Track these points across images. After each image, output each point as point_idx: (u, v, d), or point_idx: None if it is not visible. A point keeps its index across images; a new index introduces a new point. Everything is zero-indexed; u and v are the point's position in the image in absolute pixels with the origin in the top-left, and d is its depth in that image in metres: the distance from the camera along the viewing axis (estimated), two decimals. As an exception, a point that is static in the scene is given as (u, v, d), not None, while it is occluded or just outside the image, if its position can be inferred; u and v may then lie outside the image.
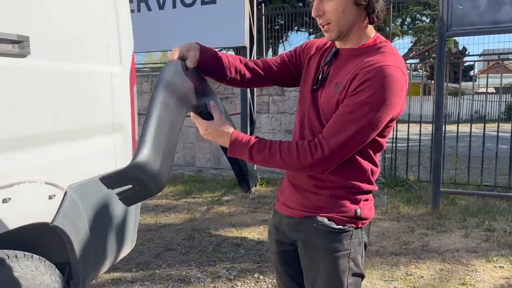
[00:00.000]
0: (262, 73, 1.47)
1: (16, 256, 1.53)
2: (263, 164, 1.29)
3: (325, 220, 1.31)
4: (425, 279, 3.07)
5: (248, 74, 1.45)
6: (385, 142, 1.33)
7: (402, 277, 3.09)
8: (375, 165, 1.34)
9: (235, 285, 2.97)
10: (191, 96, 1.28)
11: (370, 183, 1.34)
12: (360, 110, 1.16)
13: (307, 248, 1.35)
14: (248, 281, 3.03)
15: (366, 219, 1.34)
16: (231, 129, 1.30)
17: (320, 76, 1.33)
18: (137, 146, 1.08)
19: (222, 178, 6.50)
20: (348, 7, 1.21)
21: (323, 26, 1.26)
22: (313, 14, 1.26)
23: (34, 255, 1.63)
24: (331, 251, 1.31)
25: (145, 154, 1.06)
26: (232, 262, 3.36)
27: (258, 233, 4.07)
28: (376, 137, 1.24)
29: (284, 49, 12.70)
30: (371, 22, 1.26)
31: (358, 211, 1.31)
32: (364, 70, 1.17)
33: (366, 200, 1.35)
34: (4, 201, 1.43)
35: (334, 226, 1.30)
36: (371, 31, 1.29)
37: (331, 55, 1.33)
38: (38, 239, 1.75)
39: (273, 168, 1.34)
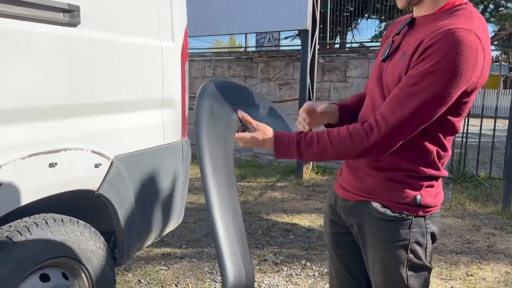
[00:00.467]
0: None
1: (62, 220, 1.59)
2: (316, 158, 1.20)
3: (379, 207, 1.19)
4: (488, 281, 2.81)
5: None
6: (459, 123, 1.14)
7: (461, 277, 2.86)
8: (444, 148, 1.17)
9: (281, 269, 2.93)
10: (234, 125, 1.22)
11: (436, 167, 1.18)
12: (424, 81, 1.02)
13: (362, 235, 1.26)
14: (295, 267, 2.97)
15: (429, 207, 1.19)
16: (270, 133, 1.21)
17: (390, 47, 1.21)
18: (218, 263, 1.03)
19: (278, 164, 6.45)
20: None
21: None
22: None
23: (80, 221, 1.68)
24: (386, 240, 1.20)
25: (229, 277, 1.02)
26: (280, 247, 3.31)
27: (309, 220, 3.98)
28: (448, 116, 1.09)
29: (353, 37, 12.23)
30: None
31: (418, 197, 1.17)
32: (431, 34, 1.03)
33: (430, 186, 1.20)
34: (51, 165, 1.49)
35: (389, 213, 1.18)
36: None
37: (405, 24, 1.20)
38: (85, 206, 1.81)
39: (328, 160, 1.23)
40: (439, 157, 1.18)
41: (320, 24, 6.01)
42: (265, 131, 1.21)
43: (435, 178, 1.20)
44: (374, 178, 1.21)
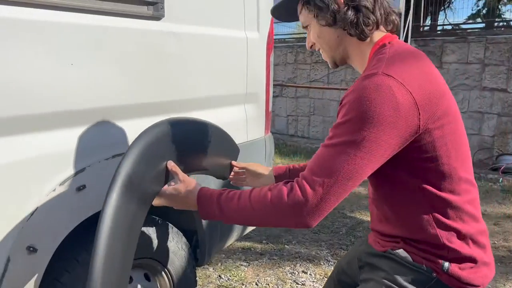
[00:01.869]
0: None
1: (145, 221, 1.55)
2: (238, 220, 1.08)
3: (401, 251, 1.04)
4: None
5: None
6: (447, 167, 0.97)
7: None
8: (451, 208, 1.00)
9: (367, 275, 2.72)
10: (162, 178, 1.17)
11: (457, 238, 1.01)
12: (339, 134, 0.92)
13: (368, 271, 1.13)
14: (383, 274, 2.74)
15: (461, 281, 1.00)
16: (193, 186, 1.10)
17: None
18: None
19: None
20: (321, 31, 1.07)
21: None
22: (307, 48, 1.15)
23: (162, 221, 1.64)
24: (392, 281, 1.03)
25: None
26: (366, 249, 3.10)
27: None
28: (418, 164, 0.96)
29: (446, 17, 11.19)
30: (360, 38, 1.04)
31: (446, 265, 1.00)
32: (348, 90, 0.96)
33: (463, 260, 1.01)
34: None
35: (409, 260, 1.03)
36: (370, 43, 1.05)
37: None
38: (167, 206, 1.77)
39: (251, 225, 1.09)
40: (450, 218, 1.00)
41: (413, 5, 5.51)
42: (189, 184, 1.11)
43: (466, 257, 1.01)
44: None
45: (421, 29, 7.03)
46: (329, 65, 1.14)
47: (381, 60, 0.95)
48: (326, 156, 0.93)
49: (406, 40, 5.29)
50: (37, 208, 1.16)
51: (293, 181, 0.96)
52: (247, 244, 3.13)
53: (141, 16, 1.40)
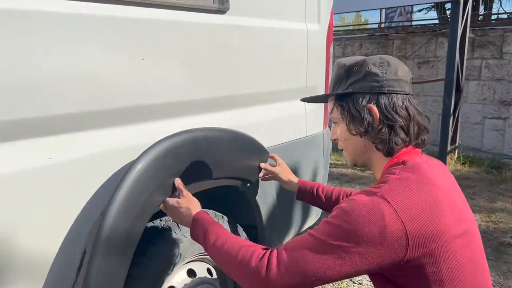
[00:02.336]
0: None
1: (208, 216, 1.55)
2: (212, 256, 1.13)
3: None
4: None
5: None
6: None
7: None
8: None
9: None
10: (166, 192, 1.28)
11: None
12: (326, 233, 0.93)
13: None
14: None
15: None
16: (195, 207, 1.22)
17: None
18: None
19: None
20: (349, 136, 1.09)
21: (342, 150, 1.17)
22: (330, 137, 1.18)
23: (225, 216, 1.63)
24: None
25: None
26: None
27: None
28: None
29: (500, 5, 10.52)
30: (386, 155, 1.04)
31: None
32: None
33: None
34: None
35: None
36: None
37: None
38: (228, 199, 1.76)
39: (220, 267, 1.16)
40: None
41: (472, -7, 5.21)
42: (191, 202, 1.23)
43: None
44: None
45: (479, 18, 6.65)
46: (349, 163, 1.16)
47: (387, 181, 0.95)
48: (307, 246, 0.94)
49: (464, 30, 5.01)
50: (110, 202, 1.18)
51: (269, 250, 1.00)
52: (300, 240, 3.09)
53: (207, 10, 1.39)
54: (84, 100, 1.10)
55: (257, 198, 1.71)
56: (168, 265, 1.40)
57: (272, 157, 1.66)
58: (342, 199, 1.50)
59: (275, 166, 1.63)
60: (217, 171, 1.45)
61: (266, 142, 1.72)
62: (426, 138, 1.06)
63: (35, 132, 1.02)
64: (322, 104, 2.08)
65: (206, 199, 1.58)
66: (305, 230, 1.98)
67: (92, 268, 1.10)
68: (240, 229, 1.70)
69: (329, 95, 1.14)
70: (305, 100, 1.32)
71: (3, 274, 0.97)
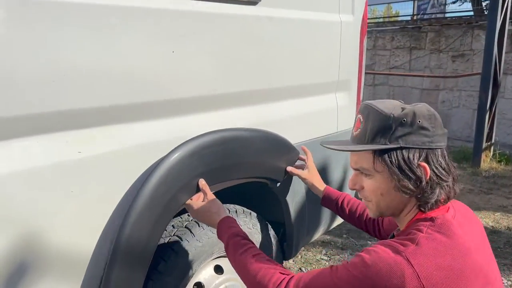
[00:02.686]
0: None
1: (236, 212, 1.52)
2: (234, 264, 1.17)
3: None
4: None
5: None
6: None
7: None
8: None
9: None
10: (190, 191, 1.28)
11: None
12: (344, 277, 0.93)
13: None
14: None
15: None
16: (221, 211, 1.25)
17: None
18: None
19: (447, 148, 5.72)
20: (389, 192, 1.00)
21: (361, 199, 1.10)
22: (349, 186, 1.09)
23: (253, 213, 1.60)
24: None
25: None
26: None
27: (492, 220, 3.37)
28: None
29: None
30: (421, 210, 0.99)
31: None
32: None
33: None
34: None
35: None
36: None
37: (390, 237, 1.12)
38: (256, 196, 1.73)
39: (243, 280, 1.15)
40: None
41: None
42: (216, 205, 1.25)
43: None
44: None
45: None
46: (371, 214, 1.08)
47: (414, 239, 0.91)
48: (322, 285, 0.96)
49: (504, 23, 4.77)
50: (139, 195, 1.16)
51: (287, 277, 1.02)
52: (327, 237, 3.04)
53: (238, 0, 1.34)
54: (112, 93, 1.08)
55: (287, 195, 1.67)
56: (195, 261, 1.39)
57: (301, 158, 1.61)
58: (363, 216, 1.46)
59: (304, 167, 1.59)
60: (244, 171, 1.42)
61: (296, 137, 1.67)
62: (457, 190, 1.00)
63: (64, 125, 1.01)
64: (354, 99, 2.02)
65: (234, 194, 1.55)
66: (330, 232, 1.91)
67: (114, 266, 1.09)
68: (268, 226, 1.67)
69: (367, 147, 1.00)
70: (328, 147, 1.11)
71: (34, 269, 0.96)
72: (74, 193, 1.01)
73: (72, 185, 1.01)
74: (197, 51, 1.26)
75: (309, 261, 2.70)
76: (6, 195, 0.90)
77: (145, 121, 1.17)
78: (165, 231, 1.37)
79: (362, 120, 1.02)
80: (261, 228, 1.62)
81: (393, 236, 1.08)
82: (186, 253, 1.35)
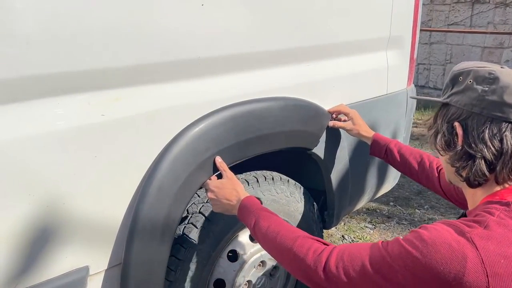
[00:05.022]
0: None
1: (273, 179, 1.44)
2: (262, 243, 1.05)
3: None
4: None
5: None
6: None
7: None
8: None
9: None
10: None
11: None
12: (393, 254, 0.82)
13: None
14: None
15: None
16: (242, 191, 1.15)
17: None
18: None
19: None
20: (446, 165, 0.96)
21: None
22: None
23: (291, 180, 1.51)
24: None
25: None
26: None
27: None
28: None
29: None
30: (468, 185, 0.90)
31: None
32: None
33: None
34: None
35: None
36: (487, 189, 0.89)
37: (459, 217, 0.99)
38: (293, 161, 1.64)
39: (269, 254, 1.06)
40: None
41: None
42: (237, 184, 1.17)
43: None
44: None
45: None
46: (449, 177, 1.00)
47: (482, 222, 0.79)
48: (370, 257, 0.85)
49: None
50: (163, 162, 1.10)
51: (327, 246, 0.94)
52: (373, 205, 2.92)
53: None
54: (137, 52, 0.99)
55: (328, 162, 1.57)
56: (230, 229, 1.33)
57: (338, 111, 1.51)
58: (418, 165, 1.35)
59: (346, 121, 1.50)
60: (267, 145, 1.32)
61: (340, 99, 1.54)
62: None
63: (87, 86, 0.94)
64: (407, 58, 1.83)
65: (269, 160, 1.46)
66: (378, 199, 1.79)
67: (133, 245, 1.06)
68: (307, 194, 1.58)
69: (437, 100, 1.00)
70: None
71: (56, 235, 0.94)
72: (97, 158, 0.96)
73: (94, 150, 0.95)
74: (231, 3, 1.14)
75: (352, 228, 2.60)
76: (26, 157, 0.86)
77: (172, 83, 1.09)
78: (198, 197, 1.32)
79: None
80: (299, 196, 1.54)
81: (463, 216, 0.96)
82: (219, 220, 1.30)
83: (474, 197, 0.91)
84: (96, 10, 0.90)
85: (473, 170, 0.86)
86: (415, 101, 2.00)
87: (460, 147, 0.89)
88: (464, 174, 0.89)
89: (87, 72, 0.93)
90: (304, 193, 1.57)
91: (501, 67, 0.89)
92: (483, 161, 0.85)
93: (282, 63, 1.35)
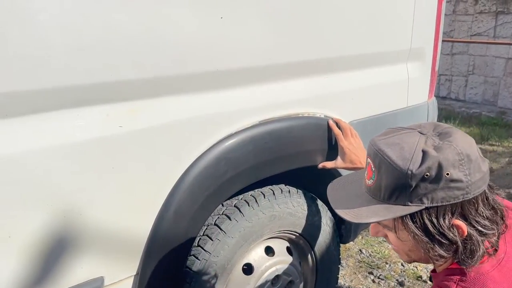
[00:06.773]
0: None
1: (289, 192, 1.42)
2: None
3: None
4: None
5: None
6: None
7: None
8: None
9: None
10: None
11: None
12: None
13: None
14: None
15: None
16: None
17: None
18: None
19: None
20: (419, 250, 0.80)
21: None
22: (371, 233, 0.88)
23: (307, 193, 1.49)
24: None
25: None
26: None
27: None
28: None
29: None
30: (464, 266, 0.79)
31: None
32: None
33: None
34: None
35: None
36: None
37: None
38: (312, 177, 1.62)
39: None
40: None
41: None
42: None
43: None
44: None
45: None
46: (402, 258, 0.90)
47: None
48: None
49: None
50: (185, 172, 1.11)
51: None
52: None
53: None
54: (156, 64, 1.00)
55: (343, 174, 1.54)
56: (244, 242, 1.32)
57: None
58: None
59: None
60: (286, 165, 1.33)
61: (360, 112, 1.52)
62: (497, 242, 0.80)
63: (106, 98, 0.95)
64: (428, 70, 1.79)
65: (286, 175, 1.45)
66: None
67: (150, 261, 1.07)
68: (324, 207, 1.55)
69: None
70: (336, 210, 0.87)
71: (74, 245, 0.94)
72: (115, 169, 0.96)
73: (113, 161, 0.96)
74: (247, 17, 1.14)
75: (370, 242, 2.55)
76: (45, 168, 0.87)
77: (190, 95, 1.09)
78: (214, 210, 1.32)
79: (373, 168, 0.79)
80: (316, 210, 1.52)
81: (430, 279, 0.91)
82: (234, 233, 1.29)
83: (441, 267, 0.85)
84: (116, 23, 0.92)
85: (481, 252, 0.77)
86: (436, 114, 1.95)
87: (463, 240, 0.77)
88: (466, 260, 0.78)
89: (106, 84, 0.94)
90: (321, 207, 1.54)
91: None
92: (493, 235, 0.78)
93: (301, 75, 1.34)
